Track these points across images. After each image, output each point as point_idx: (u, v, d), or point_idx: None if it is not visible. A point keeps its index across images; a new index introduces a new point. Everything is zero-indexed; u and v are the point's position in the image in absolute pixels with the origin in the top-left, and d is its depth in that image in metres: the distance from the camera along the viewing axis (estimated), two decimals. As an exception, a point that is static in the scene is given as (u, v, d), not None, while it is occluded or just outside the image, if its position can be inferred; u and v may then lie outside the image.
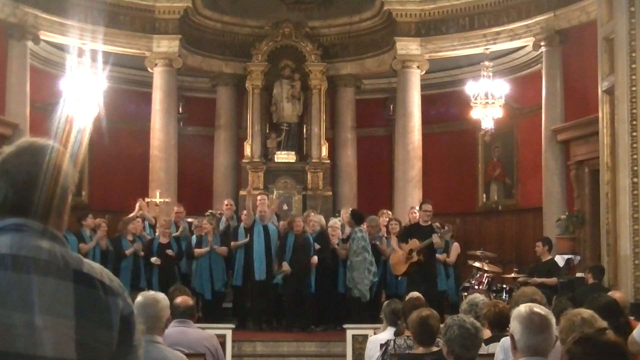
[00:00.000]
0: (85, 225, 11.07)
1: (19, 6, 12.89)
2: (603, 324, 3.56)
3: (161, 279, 10.81)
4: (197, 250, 11.06)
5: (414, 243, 9.96)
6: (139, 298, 4.09)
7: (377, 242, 11.02)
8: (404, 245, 10.06)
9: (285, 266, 10.73)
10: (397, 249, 10.16)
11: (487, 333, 5.00)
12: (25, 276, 1.60)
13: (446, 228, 10.33)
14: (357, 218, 10.73)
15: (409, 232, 10.39)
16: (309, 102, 15.73)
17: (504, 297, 10.06)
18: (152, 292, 4.23)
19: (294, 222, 11.01)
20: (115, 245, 10.97)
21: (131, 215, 11.78)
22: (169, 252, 11.03)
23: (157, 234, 11.63)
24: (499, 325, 4.86)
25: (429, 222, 10.22)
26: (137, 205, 12.13)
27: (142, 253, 10.99)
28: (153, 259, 10.91)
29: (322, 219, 11.92)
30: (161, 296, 4.19)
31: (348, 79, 16.36)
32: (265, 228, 11.09)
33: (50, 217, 1.70)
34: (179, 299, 5.15)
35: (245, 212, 11.45)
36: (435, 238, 9.91)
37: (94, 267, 1.69)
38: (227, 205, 12.21)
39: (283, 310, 11.35)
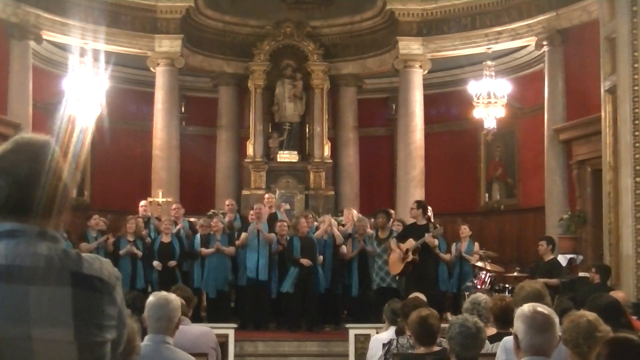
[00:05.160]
0: (90, 226, 11.05)
1: (20, 6, 12.89)
2: (606, 327, 3.57)
3: (161, 279, 10.78)
4: (204, 250, 11.04)
5: (410, 243, 9.99)
6: (151, 298, 4.06)
7: (366, 242, 11.04)
8: (402, 245, 10.09)
9: (305, 261, 10.72)
10: (395, 248, 10.18)
11: (492, 330, 5.00)
12: (21, 287, 1.55)
13: (438, 227, 10.30)
14: (389, 217, 10.71)
15: (406, 232, 10.43)
16: (310, 102, 15.74)
17: (496, 296, 10.04)
18: (164, 293, 4.18)
19: (298, 225, 11.01)
20: (114, 246, 10.96)
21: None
22: (171, 263, 10.91)
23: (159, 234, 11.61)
24: (505, 320, 4.84)
25: (425, 222, 10.22)
26: (140, 209, 12.05)
27: (140, 254, 10.96)
28: (155, 263, 10.89)
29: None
30: (172, 297, 4.14)
31: (350, 79, 16.36)
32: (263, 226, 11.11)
33: (52, 215, 1.66)
34: None
35: (252, 212, 11.46)
36: (427, 237, 9.93)
37: (92, 263, 1.65)
38: (228, 205, 12.20)
39: (282, 311, 11.37)
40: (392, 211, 11.68)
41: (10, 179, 1.62)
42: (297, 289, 10.78)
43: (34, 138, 1.69)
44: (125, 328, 1.71)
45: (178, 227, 11.52)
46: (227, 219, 11.87)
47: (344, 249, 11.16)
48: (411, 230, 10.30)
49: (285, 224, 11.40)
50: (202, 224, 11.47)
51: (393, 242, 10.28)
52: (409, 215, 11.25)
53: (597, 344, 3.38)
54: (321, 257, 10.91)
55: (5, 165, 1.63)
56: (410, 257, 9.95)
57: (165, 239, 11.12)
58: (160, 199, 13.76)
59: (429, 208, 10.89)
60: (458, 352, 3.79)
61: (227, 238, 11.19)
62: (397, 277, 10.44)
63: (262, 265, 10.89)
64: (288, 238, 11.02)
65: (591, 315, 3.67)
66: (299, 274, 10.70)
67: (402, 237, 10.22)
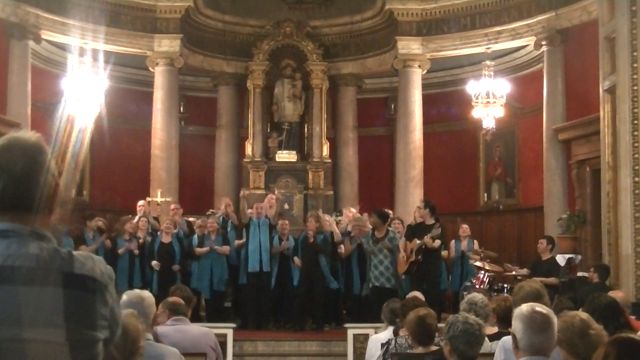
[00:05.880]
0: (89, 227, 11.02)
1: (20, 6, 12.89)
2: (598, 326, 3.61)
3: (160, 279, 10.79)
4: (198, 250, 11.05)
5: (415, 243, 10.05)
6: (124, 297, 4.10)
7: (363, 241, 11.05)
8: (409, 245, 10.16)
9: (297, 261, 10.84)
10: (402, 248, 10.25)
11: (492, 329, 5.02)
12: (12, 288, 1.55)
13: (435, 228, 10.31)
14: (384, 217, 10.72)
15: (414, 231, 10.47)
16: (310, 102, 15.73)
17: (499, 296, 10.06)
18: (136, 291, 4.26)
19: (322, 222, 11.14)
20: (112, 244, 10.96)
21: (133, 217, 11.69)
22: (175, 267, 10.93)
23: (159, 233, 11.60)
24: (508, 320, 4.86)
25: (433, 222, 10.26)
26: (138, 208, 12.03)
27: (136, 251, 10.96)
28: (153, 263, 10.88)
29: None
30: (146, 294, 4.22)
31: (349, 79, 16.35)
32: (261, 224, 11.09)
33: (45, 213, 1.67)
34: (170, 299, 5.21)
35: (249, 210, 11.46)
36: (425, 239, 9.97)
37: (84, 262, 1.64)
38: (226, 204, 12.20)
39: (283, 310, 11.39)
40: (388, 211, 11.66)
41: (6, 175, 1.63)
42: (304, 288, 10.82)
43: (26, 136, 1.70)
44: (118, 327, 1.71)
45: (175, 230, 11.49)
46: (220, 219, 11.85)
47: (342, 247, 11.18)
48: (419, 230, 10.36)
49: (287, 222, 11.44)
50: (200, 224, 11.48)
51: (402, 241, 10.37)
52: (413, 214, 11.28)
53: (592, 342, 3.40)
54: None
55: (1, 162, 1.64)
56: (413, 257, 10.01)
57: (166, 239, 11.11)
58: (159, 199, 13.77)
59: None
60: (462, 350, 3.79)
61: (221, 238, 11.20)
62: (403, 276, 10.50)
63: (265, 256, 10.91)
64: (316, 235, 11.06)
65: (584, 315, 3.69)
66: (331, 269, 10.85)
67: (410, 236, 10.30)
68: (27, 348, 1.53)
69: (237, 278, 11.31)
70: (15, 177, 1.63)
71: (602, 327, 3.69)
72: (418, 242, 10.02)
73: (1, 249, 1.59)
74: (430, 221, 10.30)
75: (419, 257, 10.02)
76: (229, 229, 11.57)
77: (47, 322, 1.55)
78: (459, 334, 3.79)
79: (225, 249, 11.13)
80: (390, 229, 10.65)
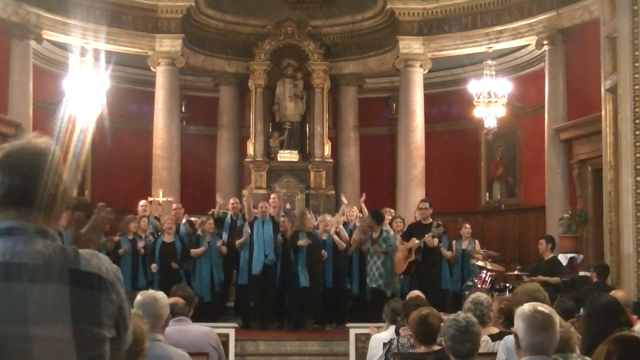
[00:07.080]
0: None
1: (21, 5, 12.90)
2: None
3: (163, 278, 10.79)
4: (193, 251, 11.06)
5: (413, 242, 10.03)
6: (139, 297, 4.09)
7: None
8: (406, 244, 10.13)
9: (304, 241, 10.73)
10: (399, 247, 10.23)
11: (495, 329, 5.02)
12: (19, 285, 1.56)
13: (438, 227, 10.30)
14: (378, 218, 10.71)
15: (410, 230, 10.45)
16: (311, 101, 15.74)
17: (507, 296, 10.06)
18: (151, 291, 4.25)
19: (305, 220, 11.03)
20: (115, 245, 10.97)
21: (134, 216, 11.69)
22: (154, 266, 10.97)
23: (160, 233, 11.61)
24: (510, 320, 4.87)
25: (430, 221, 10.25)
26: (140, 208, 12.03)
27: (143, 250, 10.98)
28: (153, 266, 10.89)
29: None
30: (160, 294, 4.21)
31: (350, 78, 16.36)
32: (265, 223, 11.08)
33: (51, 213, 1.68)
34: (170, 300, 5.20)
35: (257, 210, 11.45)
36: (426, 238, 9.96)
37: (90, 259, 1.65)
38: (232, 203, 12.17)
39: (285, 310, 11.39)
40: (386, 211, 11.63)
41: (16, 171, 1.65)
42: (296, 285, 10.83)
43: (39, 141, 1.73)
44: (126, 326, 1.71)
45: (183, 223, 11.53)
46: (228, 219, 11.85)
47: (343, 246, 11.17)
48: (416, 229, 10.35)
49: (287, 219, 11.44)
50: (199, 223, 11.51)
51: (398, 241, 10.35)
52: (416, 215, 11.27)
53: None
54: (324, 252, 10.94)
55: (11, 160, 1.67)
56: (413, 256, 9.98)
57: (168, 238, 11.12)
58: (161, 199, 13.78)
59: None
60: (453, 348, 3.81)
61: (216, 238, 11.21)
62: (401, 276, 10.49)
63: (271, 256, 10.90)
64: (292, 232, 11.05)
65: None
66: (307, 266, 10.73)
67: (407, 236, 10.28)
68: (34, 345, 1.54)
69: (237, 278, 11.32)
70: (24, 174, 1.65)
71: (604, 326, 3.71)
72: (417, 241, 9.99)
73: (7, 246, 1.60)
74: (427, 220, 10.30)
75: (418, 256, 10.01)
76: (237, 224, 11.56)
77: (54, 319, 1.56)
78: (448, 331, 3.83)
79: (223, 249, 11.15)
80: (385, 229, 10.62)
